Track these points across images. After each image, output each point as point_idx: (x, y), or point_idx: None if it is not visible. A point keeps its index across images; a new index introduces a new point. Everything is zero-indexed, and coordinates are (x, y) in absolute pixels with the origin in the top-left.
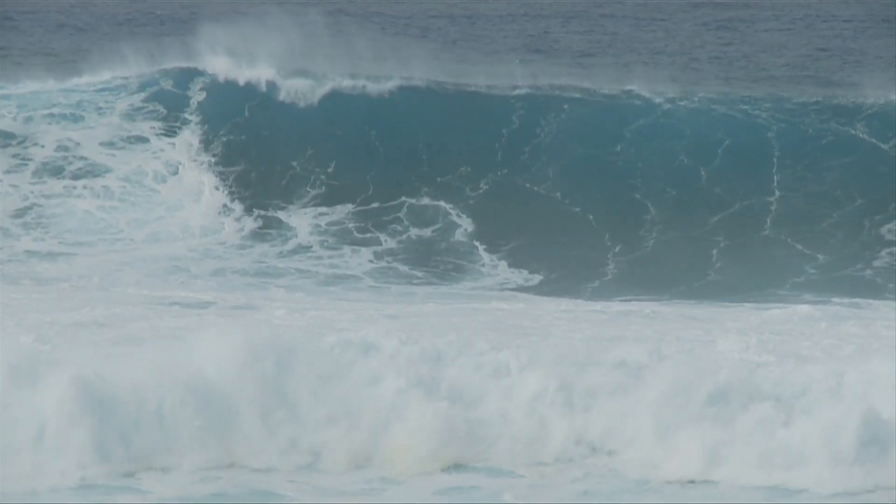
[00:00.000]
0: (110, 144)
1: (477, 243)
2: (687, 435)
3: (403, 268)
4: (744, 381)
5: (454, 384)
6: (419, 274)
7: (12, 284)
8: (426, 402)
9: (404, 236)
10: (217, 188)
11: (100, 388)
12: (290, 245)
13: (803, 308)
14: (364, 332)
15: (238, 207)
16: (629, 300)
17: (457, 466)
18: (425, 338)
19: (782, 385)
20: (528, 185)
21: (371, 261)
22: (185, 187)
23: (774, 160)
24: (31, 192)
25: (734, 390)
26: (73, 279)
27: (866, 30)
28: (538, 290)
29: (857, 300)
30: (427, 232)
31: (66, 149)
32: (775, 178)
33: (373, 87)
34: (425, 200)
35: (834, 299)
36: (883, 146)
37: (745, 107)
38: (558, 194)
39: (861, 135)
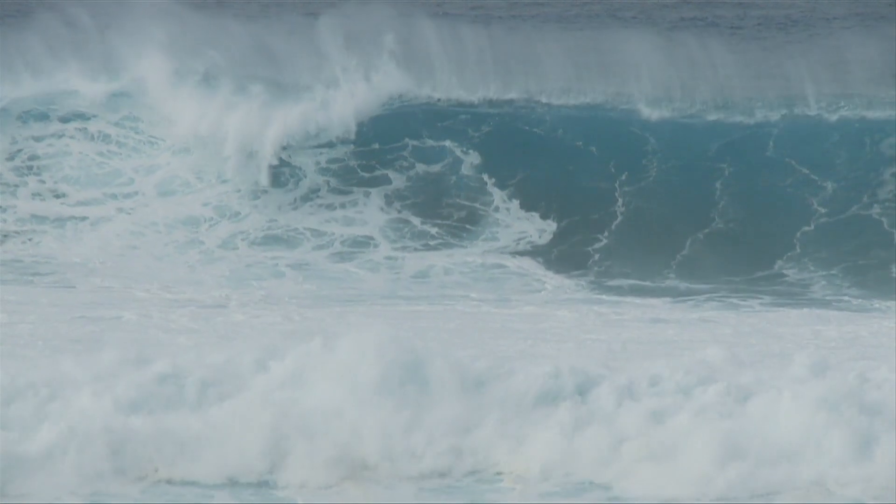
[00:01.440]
0: (93, 100)
1: (485, 177)
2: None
3: (416, 220)
4: (737, 388)
5: (441, 390)
6: (433, 231)
7: (20, 285)
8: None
9: (412, 172)
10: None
11: (101, 399)
12: (302, 189)
13: (801, 313)
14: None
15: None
16: (635, 291)
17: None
18: (419, 345)
19: (777, 389)
20: (527, 128)
21: (382, 209)
22: (184, 129)
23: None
24: (20, 136)
25: (728, 396)
26: (80, 268)
27: (854, 29)
28: (548, 254)
29: (858, 301)
30: (436, 167)
31: (48, 102)
32: (774, 103)
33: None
34: (429, 142)
35: (834, 302)
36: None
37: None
38: (560, 132)
39: (854, 108)
